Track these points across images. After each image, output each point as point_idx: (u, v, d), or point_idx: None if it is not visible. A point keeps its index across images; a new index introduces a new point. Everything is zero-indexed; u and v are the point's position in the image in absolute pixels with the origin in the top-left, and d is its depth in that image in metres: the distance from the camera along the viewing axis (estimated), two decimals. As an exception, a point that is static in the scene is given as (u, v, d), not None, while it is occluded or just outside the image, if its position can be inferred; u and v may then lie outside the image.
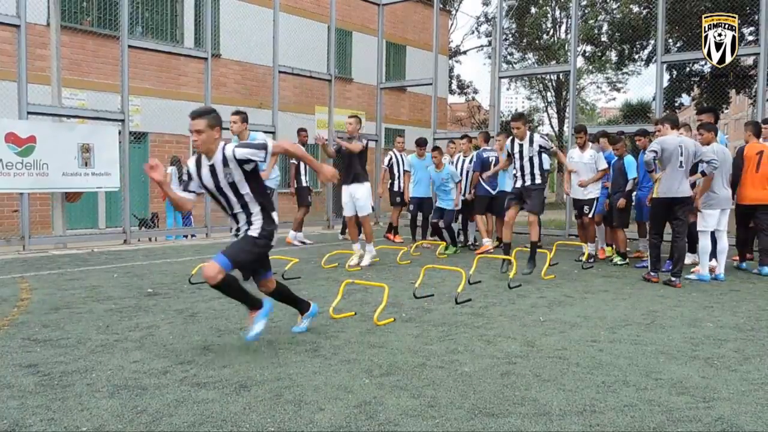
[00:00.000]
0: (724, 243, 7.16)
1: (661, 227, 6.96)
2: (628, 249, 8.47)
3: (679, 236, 6.84)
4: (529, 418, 2.96)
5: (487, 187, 9.35)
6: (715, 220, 7.10)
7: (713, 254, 7.24)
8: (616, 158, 8.35)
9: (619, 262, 8.19)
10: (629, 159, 8.21)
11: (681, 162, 6.65)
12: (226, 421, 2.90)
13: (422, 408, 3.08)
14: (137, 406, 3.06)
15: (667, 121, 6.98)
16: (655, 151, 6.72)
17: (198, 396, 3.21)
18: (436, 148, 9.70)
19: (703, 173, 6.96)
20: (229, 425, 2.85)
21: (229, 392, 3.27)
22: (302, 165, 10.82)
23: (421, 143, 10.16)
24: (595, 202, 8.35)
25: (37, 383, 3.38)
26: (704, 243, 7.04)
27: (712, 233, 7.15)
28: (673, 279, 6.62)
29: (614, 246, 8.55)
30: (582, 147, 8.45)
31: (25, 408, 3.03)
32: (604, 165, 8.28)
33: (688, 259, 7.83)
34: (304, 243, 10.58)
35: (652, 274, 6.89)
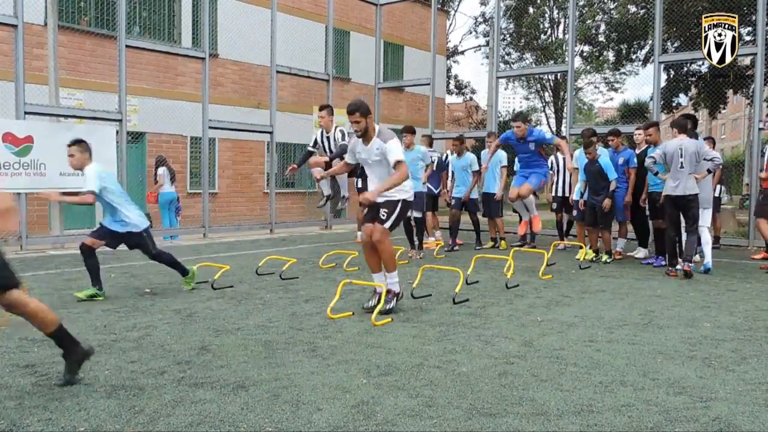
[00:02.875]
0: (706, 236, 7.55)
1: (677, 222, 7.33)
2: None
3: (691, 231, 7.25)
4: (527, 418, 2.96)
5: (430, 186, 9.81)
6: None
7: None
8: (587, 161, 8.26)
9: (607, 260, 8.37)
10: (605, 161, 8.10)
11: (681, 163, 7.09)
12: (224, 421, 2.90)
13: (420, 408, 3.08)
14: (135, 406, 3.06)
15: (675, 126, 7.42)
16: (653, 158, 7.33)
17: (195, 396, 3.21)
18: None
19: (709, 171, 7.35)
20: (226, 425, 2.85)
21: (227, 392, 3.27)
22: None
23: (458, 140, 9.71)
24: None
25: (34, 383, 3.38)
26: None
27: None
28: (685, 264, 7.09)
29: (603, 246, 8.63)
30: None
31: (22, 408, 3.03)
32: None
33: (640, 252, 8.85)
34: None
35: (671, 269, 7.24)
